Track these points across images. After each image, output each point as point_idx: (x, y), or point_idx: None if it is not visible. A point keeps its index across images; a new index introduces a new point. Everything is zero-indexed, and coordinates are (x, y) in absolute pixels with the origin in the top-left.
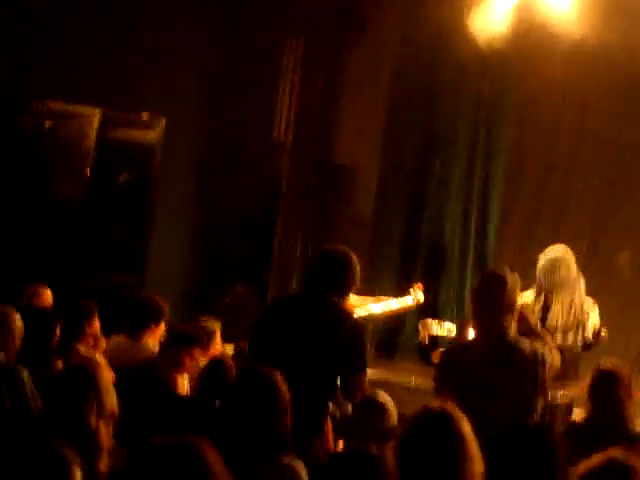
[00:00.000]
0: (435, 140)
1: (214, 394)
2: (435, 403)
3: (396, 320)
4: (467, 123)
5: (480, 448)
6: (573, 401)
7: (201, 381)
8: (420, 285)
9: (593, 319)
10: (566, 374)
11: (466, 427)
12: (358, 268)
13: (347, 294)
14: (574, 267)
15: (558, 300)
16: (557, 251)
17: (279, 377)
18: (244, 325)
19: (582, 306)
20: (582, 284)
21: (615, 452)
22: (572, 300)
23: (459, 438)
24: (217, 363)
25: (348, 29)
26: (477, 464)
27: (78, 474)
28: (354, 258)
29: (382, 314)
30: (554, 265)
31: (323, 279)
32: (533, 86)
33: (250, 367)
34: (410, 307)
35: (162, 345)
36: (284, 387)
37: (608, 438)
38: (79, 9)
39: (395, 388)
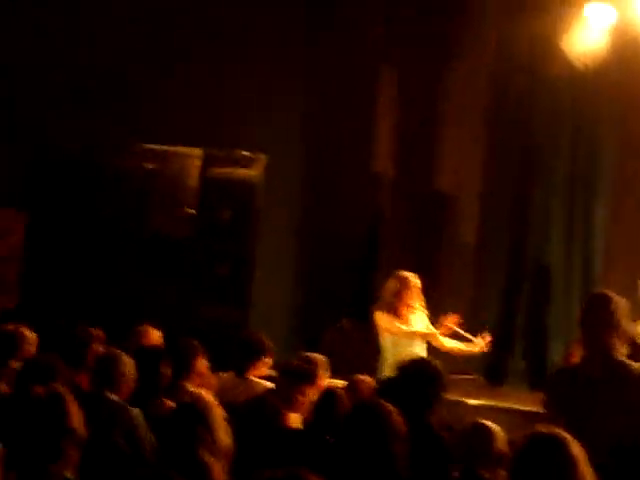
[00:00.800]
0: (535, 164)
1: (328, 425)
2: (544, 427)
3: (504, 345)
4: (566, 148)
5: (593, 471)
6: None
7: (315, 413)
8: (488, 336)
9: None
10: None
11: (576, 449)
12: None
13: None
14: None
15: None
16: None
17: (392, 409)
18: (350, 359)
19: None
20: None
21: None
22: None
23: (570, 461)
24: (329, 394)
25: (443, 56)
26: None
27: None
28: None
29: (448, 349)
30: None
31: None
32: (633, 107)
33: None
34: (472, 353)
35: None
36: (398, 419)
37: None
38: (178, 52)
39: (503, 413)
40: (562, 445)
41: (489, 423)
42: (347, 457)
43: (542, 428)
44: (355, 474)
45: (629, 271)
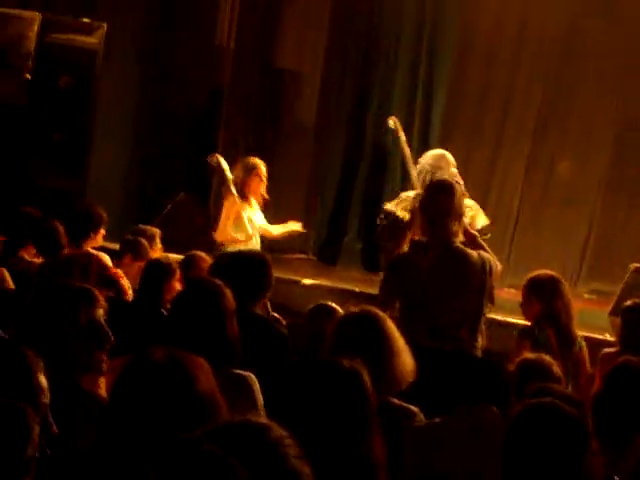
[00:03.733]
0: (379, 43)
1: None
2: (358, 307)
3: (338, 225)
4: (411, 24)
5: (421, 354)
6: None
7: (143, 283)
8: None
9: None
10: None
11: (389, 325)
12: None
13: None
14: None
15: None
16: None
17: (225, 287)
18: (187, 233)
19: None
20: None
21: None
22: None
23: (382, 335)
24: (156, 265)
25: None
26: (405, 359)
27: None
28: None
29: (275, 237)
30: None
31: None
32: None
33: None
34: (293, 232)
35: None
36: (230, 297)
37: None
38: None
39: (338, 294)
40: (374, 322)
41: (331, 303)
42: (181, 332)
43: (354, 308)
44: (187, 346)
45: (464, 149)
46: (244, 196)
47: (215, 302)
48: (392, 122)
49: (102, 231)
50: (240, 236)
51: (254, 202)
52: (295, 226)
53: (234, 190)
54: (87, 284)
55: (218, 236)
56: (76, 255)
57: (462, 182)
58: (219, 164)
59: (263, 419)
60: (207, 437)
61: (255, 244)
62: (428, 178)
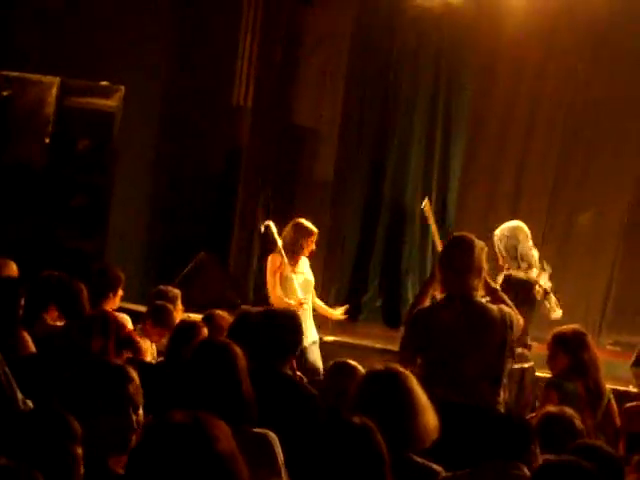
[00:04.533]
0: (395, 103)
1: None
2: (382, 364)
3: (358, 282)
4: (427, 87)
5: (444, 409)
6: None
7: (170, 345)
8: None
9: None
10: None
11: (413, 383)
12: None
13: None
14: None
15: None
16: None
17: (238, 350)
18: (207, 292)
19: None
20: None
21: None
22: None
23: (405, 394)
24: (185, 327)
25: None
26: (429, 417)
27: None
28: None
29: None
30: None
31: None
32: (492, 47)
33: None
34: (331, 316)
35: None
36: (239, 352)
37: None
38: None
39: (359, 350)
40: (398, 380)
41: (350, 361)
42: (194, 392)
43: (379, 365)
44: (204, 406)
45: (481, 215)
46: (294, 258)
47: (225, 361)
48: (424, 204)
49: (120, 292)
50: (293, 300)
51: (304, 261)
52: (338, 313)
53: (284, 253)
54: (106, 344)
55: (272, 300)
56: (96, 316)
57: (537, 254)
58: (269, 228)
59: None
60: None
61: (307, 309)
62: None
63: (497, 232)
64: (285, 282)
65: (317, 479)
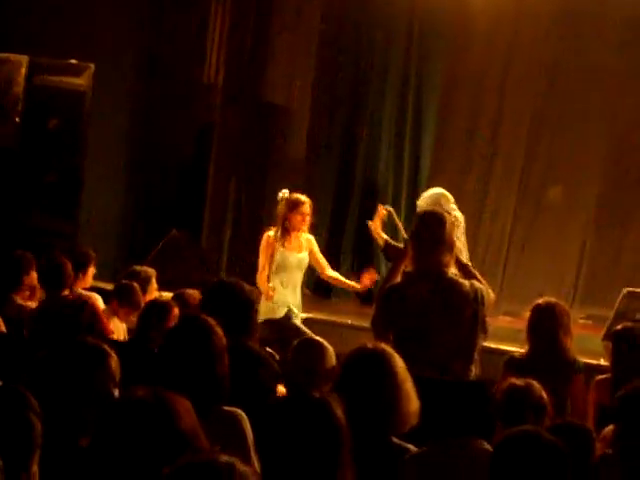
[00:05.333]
0: (367, 76)
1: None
2: (370, 342)
3: (331, 259)
4: (398, 58)
5: (420, 386)
6: None
7: (140, 323)
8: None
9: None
10: None
11: (399, 363)
12: None
13: None
14: None
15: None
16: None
17: (215, 324)
18: (179, 270)
19: None
20: None
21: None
22: None
23: (392, 374)
24: (155, 306)
25: None
26: (412, 403)
27: None
28: None
29: (327, 277)
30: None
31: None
32: (465, 13)
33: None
34: (352, 288)
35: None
36: (220, 333)
37: (546, 370)
38: None
39: (331, 327)
40: (385, 359)
41: (318, 338)
42: (170, 368)
43: (368, 343)
44: (177, 385)
45: (455, 180)
46: (286, 233)
47: (206, 341)
48: (385, 211)
49: (91, 271)
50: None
51: (303, 241)
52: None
53: (274, 230)
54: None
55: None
56: (68, 300)
57: (462, 218)
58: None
59: (227, 457)
60: (171, 475)
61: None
62: None
63: (419, 202)
64: (274, 260)
65: (277, 454)
